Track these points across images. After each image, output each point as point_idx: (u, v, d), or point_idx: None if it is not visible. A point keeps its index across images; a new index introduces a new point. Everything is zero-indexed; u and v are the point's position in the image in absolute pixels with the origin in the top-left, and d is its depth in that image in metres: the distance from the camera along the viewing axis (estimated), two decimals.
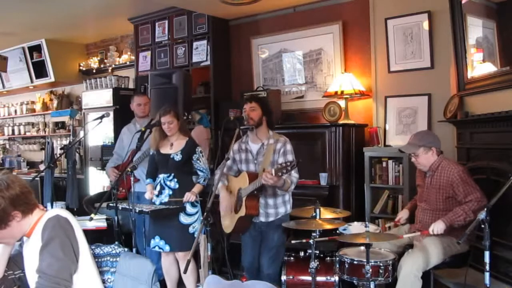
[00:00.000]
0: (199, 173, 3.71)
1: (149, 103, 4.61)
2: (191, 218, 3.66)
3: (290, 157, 3.30)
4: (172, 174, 3.69)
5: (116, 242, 2.52)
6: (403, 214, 3.50)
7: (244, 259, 3.55)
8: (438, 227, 2.99)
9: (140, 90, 6.11)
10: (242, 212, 3.29)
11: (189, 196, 3.61)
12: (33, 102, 8.55)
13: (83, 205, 4.79)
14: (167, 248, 3.65)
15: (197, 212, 3.70)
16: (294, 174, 3.30)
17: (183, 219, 3.63)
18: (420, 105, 4.32)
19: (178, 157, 3.66)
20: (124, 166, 4.07)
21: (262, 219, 3.42)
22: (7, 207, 1.90)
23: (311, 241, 3.13)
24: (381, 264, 2.94)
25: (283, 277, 3.36)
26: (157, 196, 3.72)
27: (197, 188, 3.68)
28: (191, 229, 3.64)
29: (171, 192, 3.67)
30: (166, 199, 3.68)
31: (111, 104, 6.11)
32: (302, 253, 3.50)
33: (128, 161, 4.13)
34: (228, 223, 3.49)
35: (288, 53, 5.30)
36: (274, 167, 2.99)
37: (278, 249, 3.43)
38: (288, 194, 3.46)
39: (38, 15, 5.98)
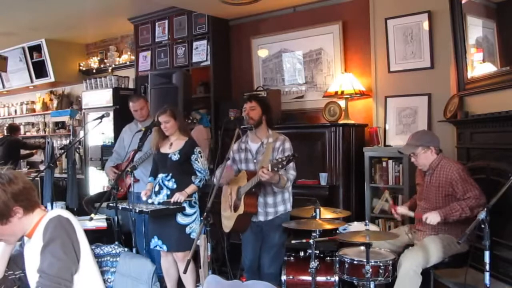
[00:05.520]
0: (197, 173, 3.70)
1: (146, 106, 4.48)
2: (189, 219, 3.64)
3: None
4: (170, 174, 3.68)
5: (116, 242, 2.52)
6: (401, 208, 3.49)
7: (245, 257, 3.55)
8: (432, 217, 3.00)
9: (140, 91, 6.13)
10: (241, 210, 3.30)
11: (177, 196, 3.57)
12: (33, 102, 8.55)
13: (83, 205, 4.80)
14: (164, 248, 3.64)
15: (194, 213, 3.69)
16: (292, 172, 3.31)
17: (180, 219, 3.62)
18: (420, 105, 4.32)
19: (175, 157, 3.66)
20: (124, 166, 4.08)
21: (261, 218, 3.42)
22: (8, 201, 1.90)
23: (311, 241, 3.13)
24: (381, 264, 2.94)
25: (283, 277, 3.36)
26: (156, 195, 3.72)
27: (190, 189, 3.63)
28: (188, 230, 3.63)
29: (169, 192, 3.66)
30: (164, 199, 3.67)
31: (111, 104, 6.11)
32: (302, 253, 3.49)
33: (129, 161, 4.12)
34: (227, 222, 3.49)
35: (288, 53, 5.30)
36: (270, 162, 3.00)
37: (279, 248, 3.44)
38: (288, 192, 3.47)
39: (38, 15, 5.98)
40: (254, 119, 3.41)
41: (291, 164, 3.28)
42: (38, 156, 8.20)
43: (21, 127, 8.44)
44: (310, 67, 5.15)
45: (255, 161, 3.43)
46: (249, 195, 3.29)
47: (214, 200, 2.89)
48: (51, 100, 8.18)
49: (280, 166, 2.96)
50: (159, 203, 3.66)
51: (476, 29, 3.77)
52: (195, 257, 3.52)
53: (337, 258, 3.10)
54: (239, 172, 3.51)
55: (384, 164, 4.27)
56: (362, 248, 3.05)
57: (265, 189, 3.37)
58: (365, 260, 2.84)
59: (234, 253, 3.91)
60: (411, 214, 3.23)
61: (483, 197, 3.00)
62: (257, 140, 3.47)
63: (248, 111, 3.41)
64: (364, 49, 4.73)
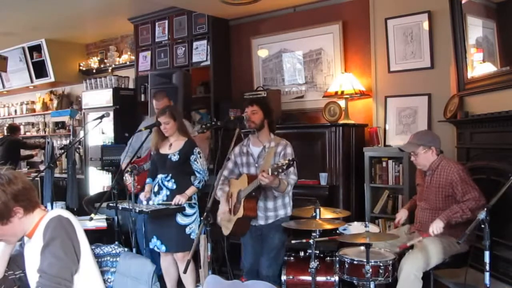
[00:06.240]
0: (196, 174, 3.70)
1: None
2: (189, 219, 3.65)
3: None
4: (170, 175, 3.68)
5: (116, 242, 2.52)
6: (402, 215, 3.49)
7: (245, 260, 3.54)
8: (437, 226, 2.99)
9: (140, 91, 6.12)
10: (240, 213, 3.29)
11: (178, 199, 3.58)
12: (33, 102, 8.55)
13: (83, 205, 4.80)
14: (163, 248, 3.65)
15: (194, 213, 3.69)
16: (292, 176, 3.29)
17: (180, 219, 3.62)
18: (420, 105, 4.32)
19: (175, 158, 3.66)
20: (141, 162, 4.09)
21: (262, 222, 3.40)
22: (9, 201, 1.90)
23: (311, 241, 3.13)
24: (381, 264, 2.94)
25: (283, 277, 3.36)
26: (155, 196, 3.72)
27: (190, 191, 3.64)
28: (187, 230, 3.63)
29: (168, 193, 3.66)
30: (164, 199, 3.68)
31: (111, 104, 6.12)
32: (302, 253, 3.49)
33: (146, 158, 4.13)
34: (227, 225, 3.48)
35: (288, 53, 5.30)
36: (271, 167, 3.00)
37: (278, 250, 3.42)
38: (288, 196, 3.46)
39: (38, 15, 5.98)
40: (256, 123, 3.39)
41: (292, 169, 3.26)
42: (38, 157, 8.20)
43: (21, 127, 8.45)
44: (310, 67, 5.14)
45: (256, 165, 3.42)
46: (249, 198, 3.27)
47: (214, 200, 2.89)
48: (51, 100, 8.18)
49: (280, 170, 2.94)
50: (158, 204, 3.66)
51: (476, 29, 3.77)
52: (195, 257, 3.53)
53: (337, 258, 3.10)
54: (240, 176, 3.51)
55: (384, 164, 4.27)
56: (362, 248, 3.05)
57: (265, 193, 3.36)
58: (365, 260, 2.84)
59: (234, 253, 3.91)
60: (420, 239, 3.12)
61: (482, 199, 3.00)
62: (259, 144, 3.46)
63: (249, 115, 3.39)
64: (364, 49, 4.73)
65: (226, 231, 3.48)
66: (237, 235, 3.56)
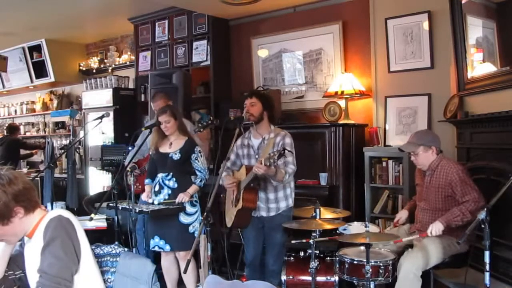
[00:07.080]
0: (197, 173, 3.71)
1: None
2: (191, 218, 3.65)
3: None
4: (171, 174, 3.69)
5: (116, 242, 2.52)
6: (402, 215, 3.50)
7: (247, 253, 3.57)
8: (436, 228, 2.98)
9: (140, 92, 6.11)
10: (240, 205, 3.31)
11: (182, 197, 3.59)
12: (33, 102, 8.55)
13: (83, 205, 4.80)
14: (167, 247, 3.64)
15: (196, 212, 3.70)
16: (291, 166, 3.31)
17: (183, 218, 3.63)
18: (420, 105, 4.32)
19: (176, 156, 3.66)
20: (144, 162, 4.08)
21: (264, 213, 3.44)
22: (9, 202, 1.90)
23: (311, 241, 3.13)
24: (381, 264, 2.94)
25: (283, 277, 3.36)
26: (156, 195, 3.72)
27: (192, 189, 3.65)
28: (191, 229, 3.64)
29: (170, 192, 3.66)
30: (165, 198, 3.68)
31: (111, 104, 6.13)
32: (302, 253, 3.49)
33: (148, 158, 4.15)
34: (229, 217, 3.52)
35: (288, 53, 5.30)
36: (264, 157, 3.01)
37: (281, 245, 3.48)
38: (290, 188, 3.49)
39: (38, 15, 5.98)
40: (255, 116, 3.41)
41: (291, 159, 3.29)
42: (38, 156, 8.21)
43: (21, 127, 8.45)
44: (310, 67, 5.14)
45: (257, 156, 3.44)
46: (248, 190, 3.31)
47: (214, 200, 2.89)
48: (51, 100, 8.18)
49: (272, 160, 2.96)
50: (159, 203, 3.66)
51: (476, 29, 3.77)
52: (195, 257, 3.53)
53: (337, 258, 3.10)
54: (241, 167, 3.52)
55: (384, 164, 4.27)
56: (362, 248, 3.05)
57: (265, 184, 3.39)
58: (365, 260, 2.84)
59: (234, 253, 3.91)
60: (416, 236, 3.15)
61: (482, 200, 2.99)
62: (258, 136, 3.49)
63: (248, 107, 3.42)
64: (364, 49, 4.73)
65: (229, 222, 3.49)
66: (239, 227, 3.58)
